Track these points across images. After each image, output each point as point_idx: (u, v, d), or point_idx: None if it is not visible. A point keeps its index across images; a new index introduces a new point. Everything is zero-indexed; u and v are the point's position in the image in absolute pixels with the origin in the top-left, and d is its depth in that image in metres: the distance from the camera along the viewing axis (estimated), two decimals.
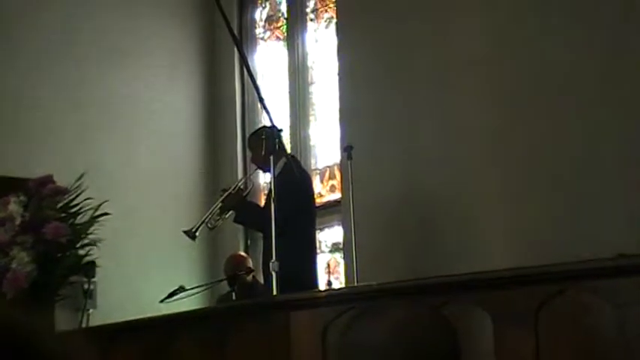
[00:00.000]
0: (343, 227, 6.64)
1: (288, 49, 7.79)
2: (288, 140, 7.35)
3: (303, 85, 7.61)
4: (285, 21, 7.93)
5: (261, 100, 5.11)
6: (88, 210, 4.50)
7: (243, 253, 6.97)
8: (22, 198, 4.39)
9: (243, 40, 7.96)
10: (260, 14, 8.19)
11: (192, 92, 8.05)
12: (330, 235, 7.15)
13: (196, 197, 7.74)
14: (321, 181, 7.36)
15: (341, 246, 6.89)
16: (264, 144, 5.61)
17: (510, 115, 5.62)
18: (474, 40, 5.87)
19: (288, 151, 6.57)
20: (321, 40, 7.58)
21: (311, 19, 7.69)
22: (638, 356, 3.00)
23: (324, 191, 7.32)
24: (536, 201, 5.42)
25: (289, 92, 7.67)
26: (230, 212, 6.10)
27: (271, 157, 5.02)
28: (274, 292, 4.61)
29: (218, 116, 8.09)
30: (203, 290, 6.33)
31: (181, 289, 5.85)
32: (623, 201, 4.97)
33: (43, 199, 4.40)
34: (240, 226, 7.41)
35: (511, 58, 5.65)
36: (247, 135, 7.21)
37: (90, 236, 4.44)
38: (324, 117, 7.44)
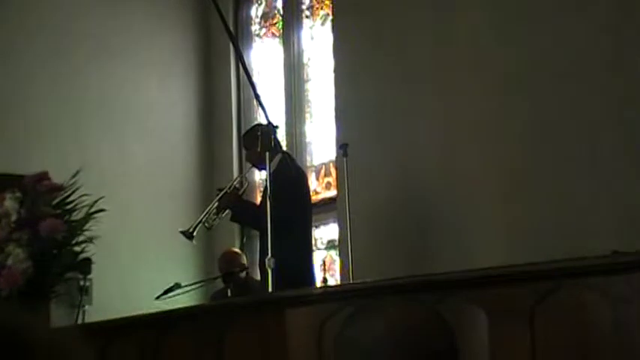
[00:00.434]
0: (339, 224, 6.65)
1: (283, 46, 7.78)
2: (284, 137, 7.35)
3: (298, 82, 7.61)
4: (280, 18, 7.93)
5: (256, 97, 5.10)
6: (83, 207, 4.49)
7: (237, 250, 6.97)
8: (17, 194, 4.38)
9: (238, 37, 7.96)
10: (256, 11, 8.18)
11: (187, 89, 8.04)
12: (325, 233, 7.15)
13: (192, 194, 7.75)
14: (317, 179, 7.36)
15: (336, 243, 6.89)
16: (259, 141, 5.61)
17: (507, 113, 5.63)
18: (471, 38, 5.87)
19: (284, 148, 6.56)
20: (317, 37, 7.57)
21: (307, 16, 7.69)
22: (634, 352, 3.01)
23: (320, 188, 7.33)
24: (531, 198, 5.43)
25: (285, 89, 7.67)
26: (227, 211, 6.10)
27: (267, 154, 5.02)
28: (270, 289, 4.61)
29: (213, 113, 8.08)
30: (199, 287, 6.33)
31: (177, 285, 5.86)
32: (617, 198, 4.98)
33: (39, 195, 4.39)
34: (236, 224, 7.41)
35: (508, 57, 5.65)
36: (243, 132, 7.21)
37: (86, 233, 4.44)
38: (319, 114, 7.44)
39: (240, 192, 6.17)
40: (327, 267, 6.97)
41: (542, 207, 5.33)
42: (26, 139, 7.03)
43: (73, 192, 4.45)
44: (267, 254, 4.62)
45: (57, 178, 4.53)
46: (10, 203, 4.35)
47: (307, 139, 7.50)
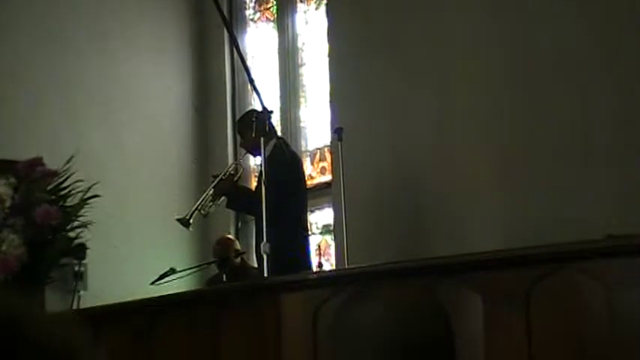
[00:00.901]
0: (334, 209, 6.65)
1: (278, 30, 7.76)
2: (279, 122, 7.34)
3: (293, 66, 7.59)
4: (274, 2, 7.90)
5: (251, 81, 5.09)
6: (78, 192, 4.48)
7: (230, 236, 6.97)
8: (11, 180, 4.36)
9: (232, 21, 7.92)
10: None
11: (181, 74, 8.02)
12: (320, 217, 7.15)
13: (186, 179, 7.74)
14: (312, 163, 7.36)
15: (331, 228, 6.90)
16: (254, 126, 5.60)
17: (503, 98, 5.62)
18: (468, 22, 5.86)
19: (279, 133, 6.56)
20: (312, 21, 7.55)
21: (301, 1, 7.67)
22: (628, 336, 3.02)
23: (315, 173, 7.32)
24: (526, 183, 5.43)
25: (279, 74, 7.65)
26: (222, 198, 6.10)
27: (262, 139, 5.01)
28: (265, 274, 4.61)
29: (208, 98, 8.06)
30: (194, 272, 6.33)
31: (172, 271, 5.86)
32: (611, 184, 4.98)
33: (33, 181, 4.37)
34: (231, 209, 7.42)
35: (505, 44, 5.63)
36: (237, 117, 7.20)
37: (80, 219, 4.43)
38: (314, 99, 7.43)
39: (236, 178, 6.16)
40: (322, 252, 6.98)
41: (537, 192, 5.34)
42: (20, 124, 7.01)
43: (68, 177, 4.44)
44: (263, 239, 4.62)
45: (51, 164, 4.52)
46: (4, 189, 4.33)
47: (302, 124, 7.49)
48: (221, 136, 7.87)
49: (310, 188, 6.62)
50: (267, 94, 6.90)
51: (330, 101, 6.86)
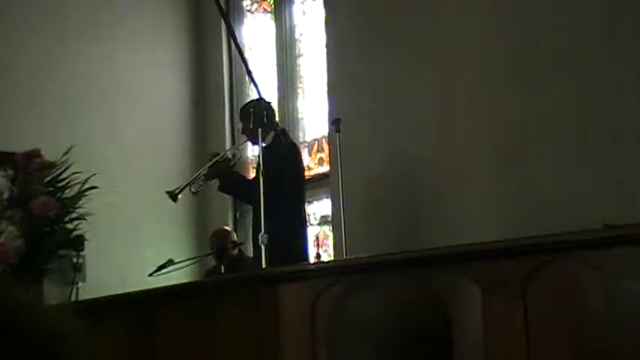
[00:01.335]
0: (332, 200, 6.65)
1: (275, 21, 7.75)
2: (277, 113, 7.32)
3: (291, 57, 7.58)
4: None
5: (248, 73, 5.09)
6: (75, 184, 4.48)
7: (227, 228, 6.97)
8: (9, 172, 4.36)
9: (229, 12, 7.91)
10: None
11: (179, 66, 8.01)
12: (318, 208, 7.15)
13: (184, 171, 7.72)
14: (310, 154, 7.36)
15: (329, 219, 6.89)
16: (251, 117, 5.60)
17: (500, 90, 5.62)
18: (467, 12, 5.85)
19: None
20: (309, 12, 7.54)
21: None
22: (625, 325, 3.02)
23: (313, 164, 7.32)
24: (524, 173, 5.43)
25: (277, 65, 7.64)
26: (214, 180, 6.07)
27: (259, 131, 5.01)
28: (263, 265, 4.62)
29: (205, 90, 8.05)
30: (192, 263, 6.33)
31: (170, 262, 5.86)
32: (608, 173, 4.98)
33: (31, 173, 4.37)
34: (229, 199, 7.41)
35: (504, 35, 5.62)
36: (235, 108, 7.20)
37: (78, 210, 4.43)
38: (312, 90, 7.42)
39: (232, 163, 6.14)
40: (320, 242, 6.98)
41: (535, 182, 5.34)
42: (17, 116, 7.00)
43: (65, 169, 4.44)
44: (261, 230, 4.62)
45: (48, 155, 4.52)
46: (1, 181, 4.33)
47: (299, 115, 7.49)
48: (219, 128, 7.86)
49: (308, 179, 6.62)
50: (264, 86, 6.89)
51: (328, 92, 6.86)
